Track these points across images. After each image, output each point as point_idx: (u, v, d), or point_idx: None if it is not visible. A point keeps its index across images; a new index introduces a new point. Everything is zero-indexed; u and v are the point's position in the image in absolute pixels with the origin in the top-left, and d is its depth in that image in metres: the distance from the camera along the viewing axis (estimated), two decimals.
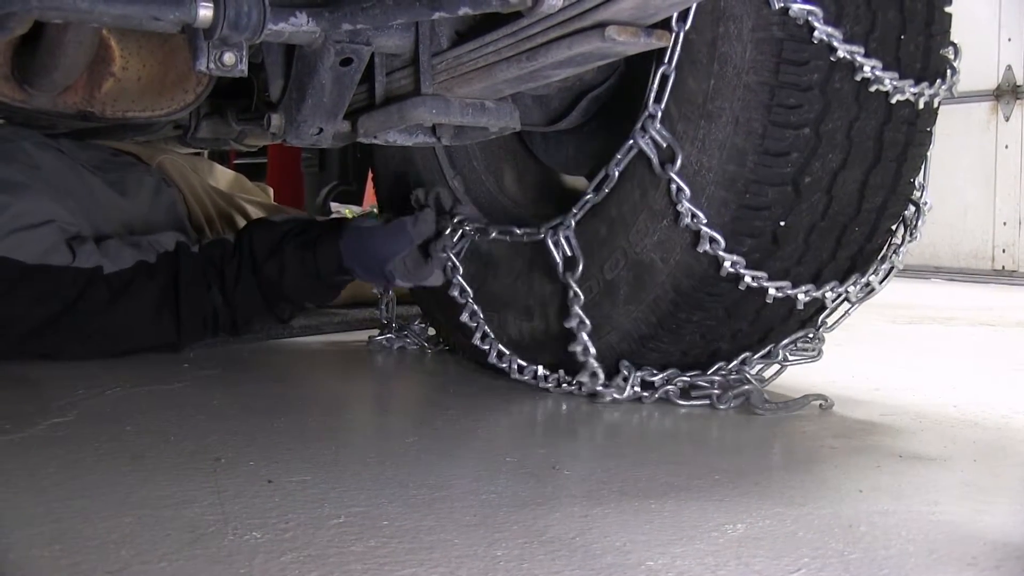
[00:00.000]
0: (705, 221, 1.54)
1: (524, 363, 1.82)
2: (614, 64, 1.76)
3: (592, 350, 1.69)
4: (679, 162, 1.55)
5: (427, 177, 2.08)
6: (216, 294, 2.08)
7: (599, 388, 1.70)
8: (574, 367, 1.73)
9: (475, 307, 1.89)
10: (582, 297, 1.69)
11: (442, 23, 1.55)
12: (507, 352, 1.85)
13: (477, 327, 1.88)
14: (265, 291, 2.09)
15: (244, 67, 1.35)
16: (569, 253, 1.71)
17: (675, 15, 1.51)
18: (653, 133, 1.58)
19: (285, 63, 1.60)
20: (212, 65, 1.32)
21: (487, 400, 1.76)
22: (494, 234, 1.84)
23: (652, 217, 1.61)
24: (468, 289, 1.89)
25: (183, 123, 2.31)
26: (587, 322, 1.69)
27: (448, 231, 1.90)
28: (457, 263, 1.90)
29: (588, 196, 1.68)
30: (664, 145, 1.57)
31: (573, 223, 1.70)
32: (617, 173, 1.64)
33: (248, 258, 2.07)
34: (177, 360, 2.08)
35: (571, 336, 1.71)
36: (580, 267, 1.69)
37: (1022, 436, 1.54)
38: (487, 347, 1.87)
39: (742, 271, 1.55)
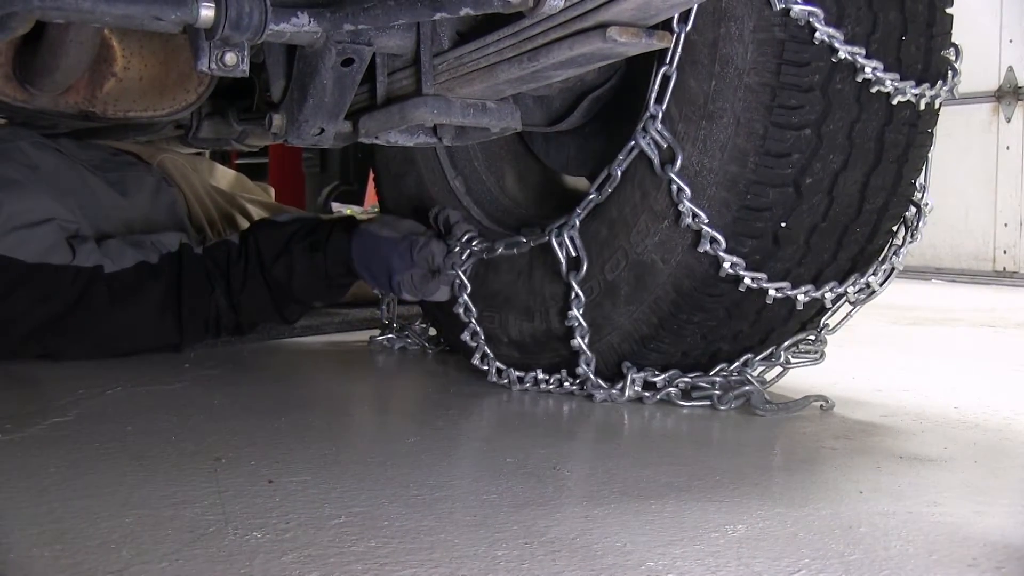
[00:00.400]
0: (706, 221, 1.54)
1: (522, 374, 1.82)
2: (615, 65, 1.76)
3: (588, 354, 1.70)
4: (679, 162, 1.55)
5: (428, 177, 2.08)
6: (220, 296, 2.08)
7: (597, 390, 1.70)
8: (576, 367, 1.73)
9: (477, 328, 1.88)
10: (583, 299, 1.69)
11: (443, 23, 1.55)
12: (504, 368, 1.85)
13: (477, 347, 1.88)
14: (274, 293, 2.08)
15: (245, 67, 1.35)
16: (574, 253, 1.71)
17: (676, 16, 1.51)
18: (654, 133, 1.58)
19: (287, 63, 1.60)
20: (214, 65, 1.33)
21: (488, 400, 1.77)
22: (501, 249, 1.82)
23: (653, 218, 1.61)
24: (473, 309, 1.89)
25: (184, 123, 2.31)
26: (584, 325, 1.70)
27: (456, 249, 1.89)
28: (466, 281, 1.89)
29: (591, 196, 1.68)
30: (665, 146, 1.57)
31: (577, 223, 1.70)
32: (619, 173, 1.64)
33: (255, 260, 2.07)
34: (178, 360, 2.08)
35: (569, 335, 1.71)
36: (584, 267, 1.69)
37: (1023, 438, 1.54)
38: (486, 367, 1.87)
39: (742, 272, 1.55)
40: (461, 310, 1.89)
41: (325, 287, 2.10)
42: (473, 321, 1.88)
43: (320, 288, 2.10)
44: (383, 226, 2.01)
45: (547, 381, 1.79)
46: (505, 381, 1.84)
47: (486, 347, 1.87)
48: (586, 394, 1.73)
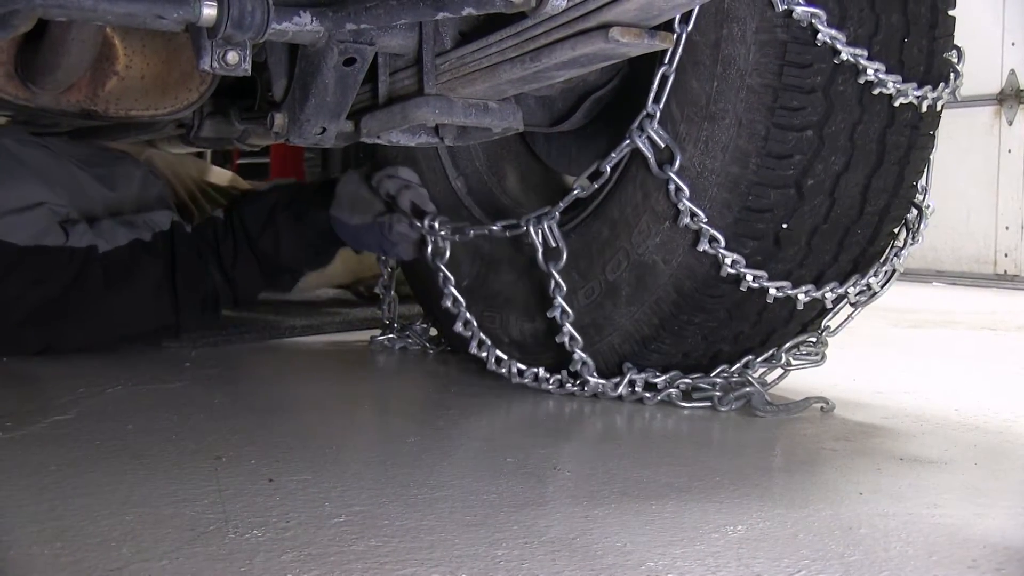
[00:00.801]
0: (705, 220, 1.54)
1: (523, 367, 1.82)
2: (617, 65, 1.76)
3: (579, 340, 1.70)
4: (678, 162, 1.55)
5: (430, 177, 2.09)
6: (214, 272, 2.09)
7: (592, 380, 1.70)
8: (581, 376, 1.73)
9: (468, 316, 1.88)
10: (564, 287, 1.70)
11: (446, 23, 1.55)
12: (505, 357, 1.85)
13: (472, 336, 1.88)
14: (264, 265, 2.10)
15: (247, 66, 1.35)
16: (553, 244, 1.71)
17: (677, 16, 1.51)
18: (651, 132, 1.58)
19: (289, 62, 1.61)
20: (216, 64, 1.33)
21: (489, 400, 1.76)
22: (472, 233, 1.84)
23: (654, 219, 1.61)
24: (461, 299, 1.89)
25: (186, 122, 2.31)
26: (570, 312, 1.70)
27: (434, 246, 1.90)
28: (449, 275, 1.89)
29: (576, 191, 1.68)
30: (663, 145, 1.57)
31: (557, 214, 1.71)
32: (608, 169, 1.64)
33: (242, 234, 2.08)
34: (178, 359, 2.08)
35: (555, 327, 1.71)
36: (563, 257, 1.70)
37: (1023, 440, 1.54)
38: (484, 354, 1.87)
39: (742, 270, 1.55)
40: (449, 302, 1.89)
41: (313, 255, 2.13)
42: (463, 310, 1.88)
43: (308, 256, 2.12)
44: (352, 212, 2.02)
45: (547, 380, 1.78)
46: (504, 371, 1.84)
47: (482, 335, 1.87)
48: (589, 394, 1.73)
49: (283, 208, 2.08)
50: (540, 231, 1.72)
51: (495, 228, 1.79)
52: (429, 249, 1.91)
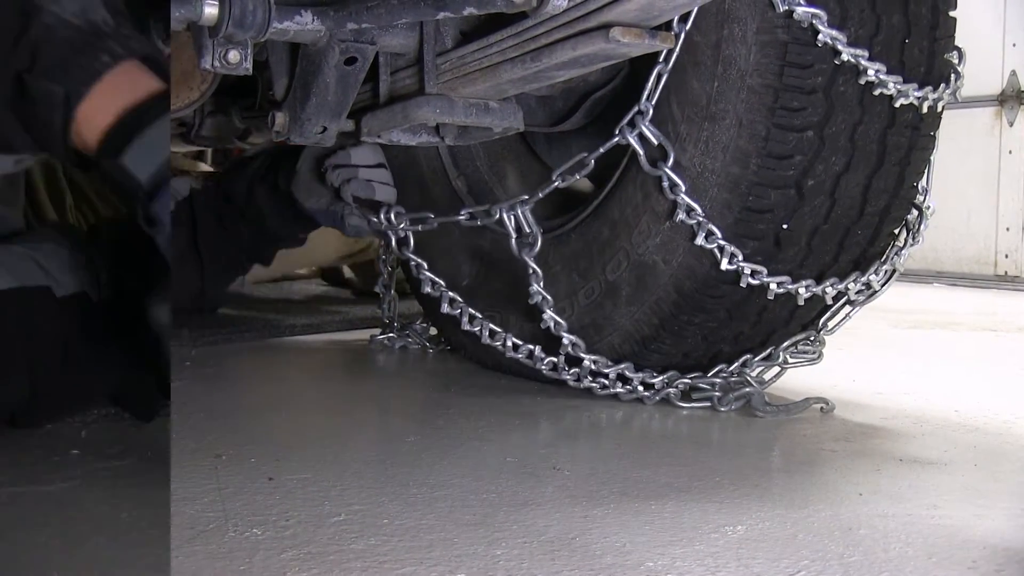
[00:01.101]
0: (701, 214, 1.53)
1: (519, 341, 1.80)
2: (619, 65, 1.76)
3: (563, 324, 1.70)
4: (672, 158, 1.55)
5: (430, 177, 2.09)
6: (230, 237, 2.09)
7: (585, 357, 1.70)
8: (576, 365, 1.73)
9: (452, 295, 1.88)
10: (540, 273, 1.70)
11: (447, 23, 1.55)
12: (500, 331, 1.83)
13: (462, 312, 1.86)
14: (259, 235, 2.09)
15: (249, 65, 1.35)
16: (527, 229, 1.71)
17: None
18: (643, 128, 1.57)
19: (290, 61, 1.61)
20: (217, 63, 1.33)
21: (489, 400, 1.76)
22: (435, 223, 1.84)
23: (655, 219, 1.61)
24: (440, 282, 1.89)
25: (187, 121, 2.31)
26: (549, 298, 1.70)
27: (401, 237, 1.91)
28: (421, 261, 1.89)
29: (555, 182, 1.68)
30: (655, 143, 1.57)
31: (532, 203, 1.71)
32: (592, 162, 1.64)
33: (232, 205, 2.09)
34: (178, 359, 2.07)
35: (537, 312, 1.71)
36: (538, 244, 1.70)
37: (1023, 441, 1.54)
38: (477, 329, 1.85)
39: (741, 264, 1.55)
40: (429, 287, 1.89)
41: (296, 223, 2.12)
42: (444, 291, 1.88)
43: (293, 224, 2.12)
44: (308, 195, 2.02)
45: (542, 360, 1.76)
46: (499, 343, 1.82)
47: (471, 310, 1.86)
48: (584, 387, 1.73)
49: (260, 180, 2.09)
50: (512, 217, 1.72)
51: (461, 217, 1.79)
52: (393, 241, 1.91)
